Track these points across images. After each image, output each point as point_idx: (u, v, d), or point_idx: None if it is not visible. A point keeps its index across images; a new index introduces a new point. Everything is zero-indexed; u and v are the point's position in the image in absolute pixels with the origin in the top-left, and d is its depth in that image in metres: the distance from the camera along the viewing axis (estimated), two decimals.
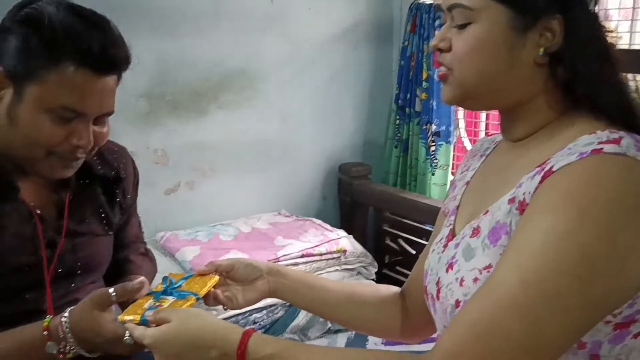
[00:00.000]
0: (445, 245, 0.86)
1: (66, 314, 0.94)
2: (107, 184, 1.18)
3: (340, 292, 1.04)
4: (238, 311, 1.86)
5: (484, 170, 0.90)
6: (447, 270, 0.79)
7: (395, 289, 1.07)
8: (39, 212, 1.06)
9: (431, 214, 2.19)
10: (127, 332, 0.86)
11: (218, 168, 2.34)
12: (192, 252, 2.00)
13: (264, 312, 1.93)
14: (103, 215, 1.17)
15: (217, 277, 0.98)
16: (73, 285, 1.11)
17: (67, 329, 0.92)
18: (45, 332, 0.93)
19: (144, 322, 0.84)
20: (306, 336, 1.97)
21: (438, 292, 0.81)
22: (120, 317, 0.87)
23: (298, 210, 2.51)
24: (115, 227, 1.21)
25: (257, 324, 1.91)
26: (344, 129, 2.64)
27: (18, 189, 1.04)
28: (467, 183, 0.92)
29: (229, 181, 2.37)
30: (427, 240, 2.46)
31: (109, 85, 1.00)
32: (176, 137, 2.22)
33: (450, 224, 0.89)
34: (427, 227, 2.34)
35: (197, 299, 0.91)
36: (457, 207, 0.91)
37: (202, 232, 2.17)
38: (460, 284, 0.75)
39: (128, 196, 1.23)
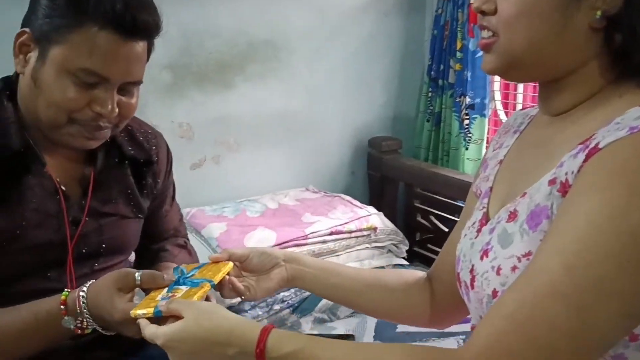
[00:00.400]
0: (479, 230, 0.79)
1: (85, 288, 0.91)
2: (137, 166, 1.14)
3: (363, 279, 0.99)
4: None
5: (519, 148, 0.83)
6: (481, 258, 0.73)
7: (420, 273, 1.01)
8: (63, 188, 1.03)
9: (464, 190, 2.09)
10: None
11: (244, 142, 2.28)
12: (218, 229, 1.96)
13: (292, 290, 1.88)
14: (131, 197, 1.13)
15: (231, 264, 0.95)
16: (97, 265, 1.09)
17: (84, 304, 0.90)
18: (62, 306, 0.91)
19: (157, 314, 0.80)
20: (335, 315, 1.92)
21: (472, 280, 0.75)
22: (132, 312, 0.83)
23: (326, 185, 2.45)
24: (146, 212, 1.17)
25: (286, 302, 1.86)
26: (373, 102, 2.56)
27: (45, 163, 1.01)
28: (500, 162, 0.85)
29: (256, 156, 2.31)
30: (459, 217, 2.38)
31: (135, 52, 0.96)
32: (201, 110, 2.16)
33: (483, 207, 0.83)
34: (460, 204, 2.27)
35: (212, 285, 0.89)
36: (490, 189, 0.84)
37: (228, 208, 2.12)
38: (497, 273, 0.69)
39: (159, 181, 1.19)
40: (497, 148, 0.89)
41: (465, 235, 0.83)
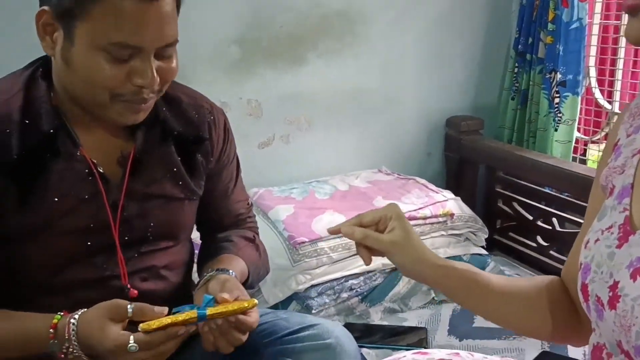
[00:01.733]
0: (624, 239, 0.65)
1: (76, 316, 0.88)
2: (184, 143, 1.06)
3: (502, 289, 0.85)
4: (333, 276, 1.75)
5: None
6: (633, 277, 0.60)
7: (553, 279, 0.87)
8: (101, 170, 0.97)
9: (552, 174, 1.96)
10: (131, 339, 0.85)
11: (315, 121, 2.19)
12: (285, 211, 1.88)
13: (361, 278, 1.78)
14: (179, 176, 1.05)
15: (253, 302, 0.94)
16: (146, 250, 1.03)
17: (74, 332, 0.87)
18: (51, 330, 0.88)
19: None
20: (407, 305, 1.82)
21: (614, 299, 0.62)
22: (141, 326, 0.85)
23: (400, 167, 2.32)
24: (199, 193, 1.10)
25: (354, 290, 1.77)
26: (452, 78, 2.40)
27: (78, 143, 0.95)
28: None
29: (326, 135, 2.22)
30: (546, 205, 2.15)
31: (163, 11, 0.88)
32: (271, 87, 2.09)
33: (624, 209, 0.67)
34: (547, 190, 2.10)
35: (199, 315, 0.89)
36: (632, 185, 0.68)
37: (296, 189, 2.05)
38: None
39: (211, 159, 1.11)
40: (633, 133, 0.73)
41: (598, 239, 0.69)
